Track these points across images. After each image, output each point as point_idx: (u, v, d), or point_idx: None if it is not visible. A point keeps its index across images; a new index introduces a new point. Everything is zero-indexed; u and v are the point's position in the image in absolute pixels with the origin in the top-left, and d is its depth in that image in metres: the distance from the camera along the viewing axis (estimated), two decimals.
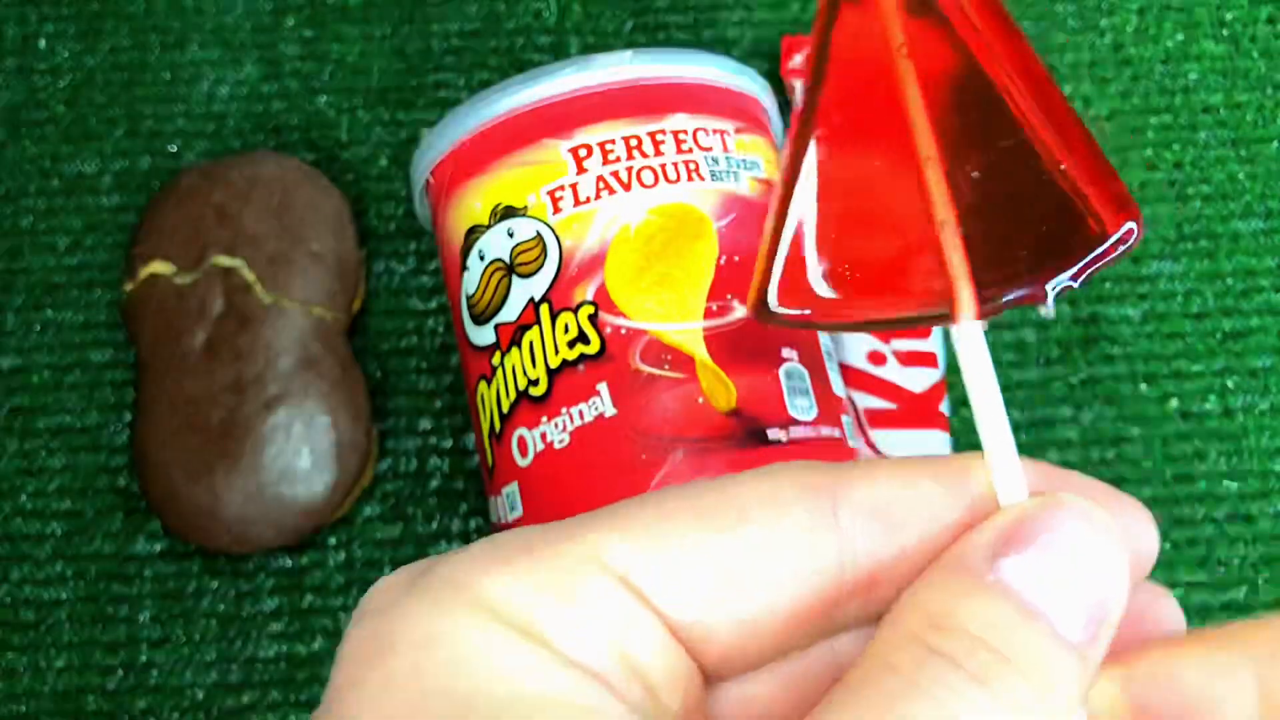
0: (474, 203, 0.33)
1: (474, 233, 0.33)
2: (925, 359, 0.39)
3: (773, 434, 0.30)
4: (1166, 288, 0.42)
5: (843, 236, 0.21)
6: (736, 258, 0.31)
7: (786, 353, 0.31)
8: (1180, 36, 0.45)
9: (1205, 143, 0.44)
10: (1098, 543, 0.18)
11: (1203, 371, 0.41)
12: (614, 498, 0.29)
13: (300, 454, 0.36)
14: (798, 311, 0.21)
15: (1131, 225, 0.20)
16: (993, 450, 0.19)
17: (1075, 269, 0.20)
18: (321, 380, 0.37)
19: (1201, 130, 0.44)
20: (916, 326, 0.22)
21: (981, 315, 0.20)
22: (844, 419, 0.32)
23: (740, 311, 0.31)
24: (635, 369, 0.30)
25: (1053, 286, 0.21)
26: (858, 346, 0.39)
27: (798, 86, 0.43)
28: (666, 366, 0.30)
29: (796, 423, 0.31)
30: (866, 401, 0.38)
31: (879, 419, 0.38)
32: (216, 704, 0.37)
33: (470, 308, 0.33)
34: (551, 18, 0.45)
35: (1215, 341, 0.42)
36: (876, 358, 0.39)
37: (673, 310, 0.30)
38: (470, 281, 0.33)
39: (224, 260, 0.37)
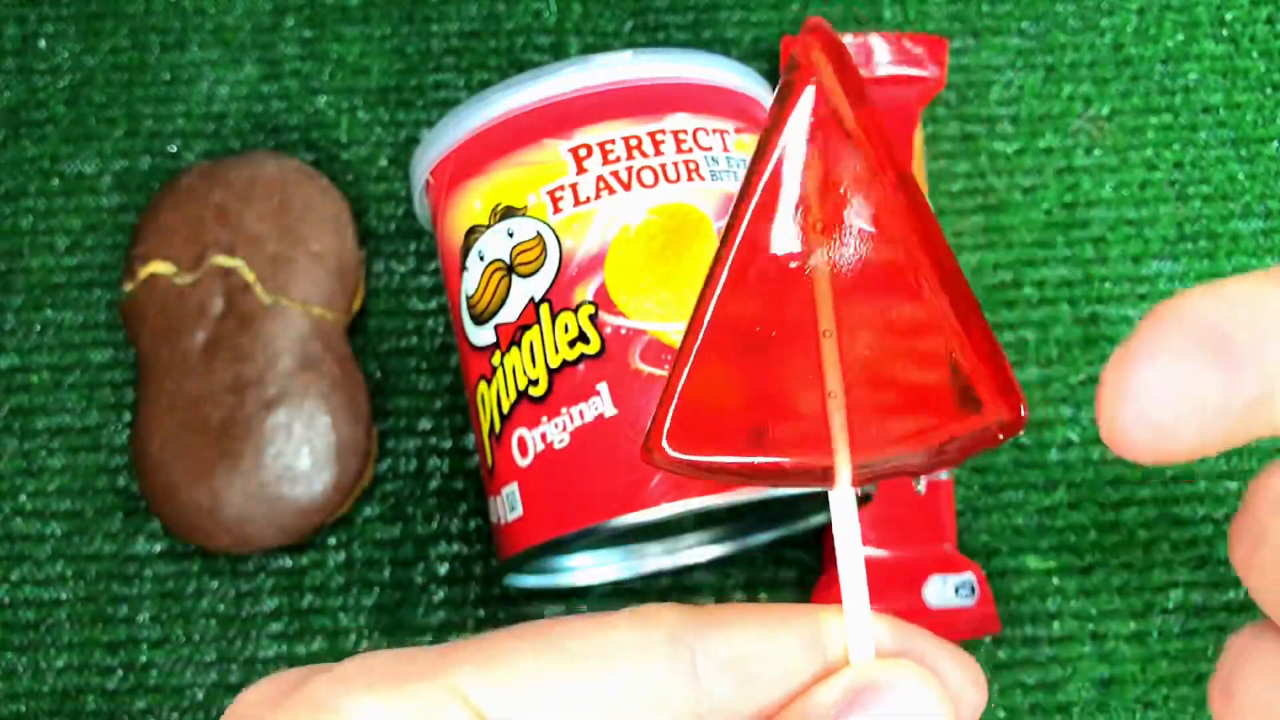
0: (474, 203, 0.33)
1: (474, 233, 0.33)
2: None
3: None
4: (1166, 288, 0.42)
5: (736, 389, 0.22)
6: None
7: None
8: (1180, 36, 0.45)
9: (1205, 143, 0.44)
10: (929, 709, 0.20)
11: None
12: (613, 497, 0.29)
13: (300, 454, 0.36)
14: (685, 458, 0.21)
15: (1019, 414, 0.21)
16: (850, 608, 0.21)
17: (954, 451, 0.21)
18: (321, 380, 0.37)
19: (1201, 130, 0.44)
20: (795, 486, 0.23)
21: (856, 483, 0.21)
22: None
23: None
24: (635, 369, 0.30)
25: (930, 473, 0.21)
26: None
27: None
28: (667, 366, 0.30)
29: None
30: None
31: None
32: (216, 704, 0.37)
33: (470, 308, 0.33)
34: (551, 18, 0.45)
35: None
36: None
37: (673, 310, 0.30)
38: (470, 281, 0.33)
39: (224, 260, 0.37)
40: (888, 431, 0.21)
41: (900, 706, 0.20)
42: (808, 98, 0.21)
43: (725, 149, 0.32)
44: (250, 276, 0.37)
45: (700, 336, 0.21)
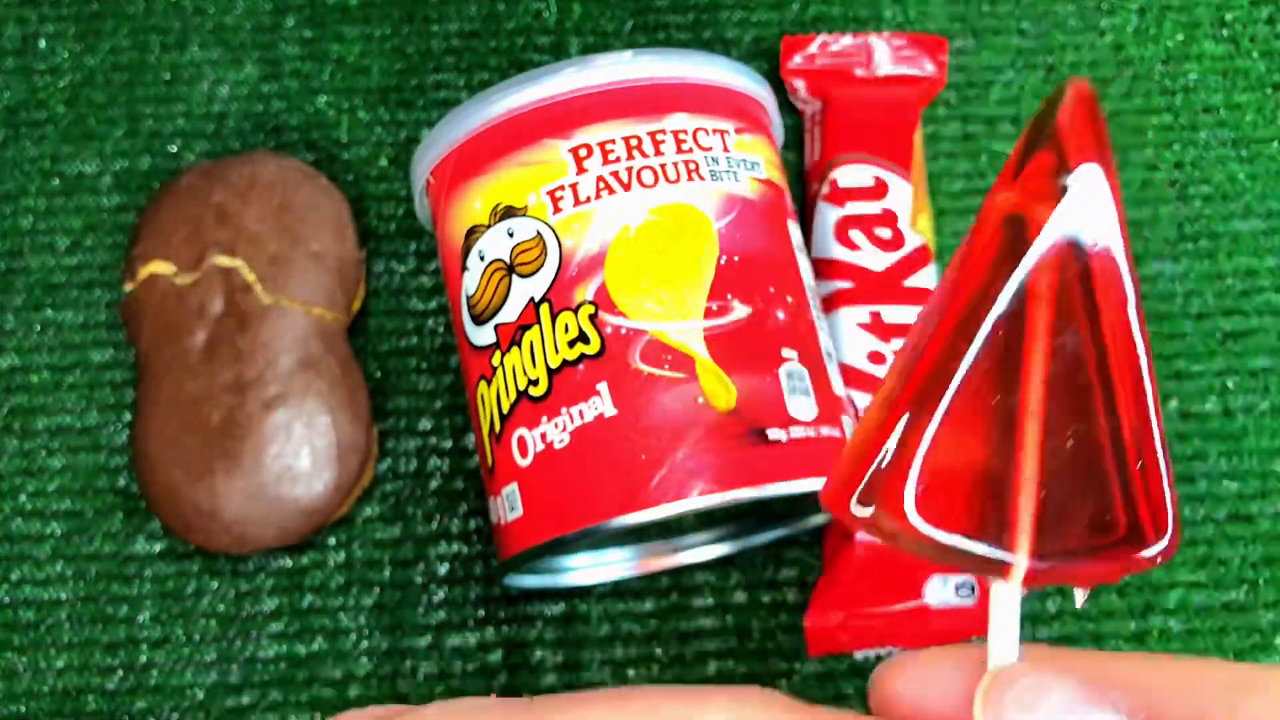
0: (474, 203, 0.33)
1: (474, 233, 0.33)
2: None
3: (773, 434, 0.30)
4: (1166, 288, 0.42)
5: (943, 465, 0.21)
6: (736, 257, 0.31)
7: (787, 353, 0.31)
8: (1180, 36, 0.45)
9: (1205, 143, 0.44)
10: None
11: (1203, 372, 0.41)
12: (613, 497, 0.29)
13: (300, 454, 0.36)
14: (889, 524, 0.21)
15: (1167, 551, 0.21)
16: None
17: (1109, 572, 0.21)
18: (321, 380, 0.37)
19: (1201, 130, 0.44)
20: (970, 571, 0.23)
21: (1029, 583, 0.20)
22: (844, 419, 0.32)
23: (740, 312, 0.31)
24: (635, 369, 0.30)
25: (1089, 589, 0.21)
26: (858, 346, 0.39)
27: (800, 86, 0.43)
28: (667, 366, 0.30)
29: (797, 422, 0.31)
30: (867, 401, 0.38)
31: None
32: (216, 704, 0.37)
33: (470, 308, 0.33)
34: (551, 18, 0.45)
35: (1215, 341, 0.42)
36: (877, 358, 0.39)
37: (673, 310, 0.30)
38: (470, 281, 0.33)
39: (224, 260, 0.37)
40: (1063, 531, 0.21)
41: None
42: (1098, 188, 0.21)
43: (725, 149, 0.32)
44: (250, 276, 0.37)
45: (940, 409, 0.21)
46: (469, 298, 0.33)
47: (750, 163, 0.33)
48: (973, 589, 0.38)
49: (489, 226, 0.32)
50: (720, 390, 0.30)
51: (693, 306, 0.31)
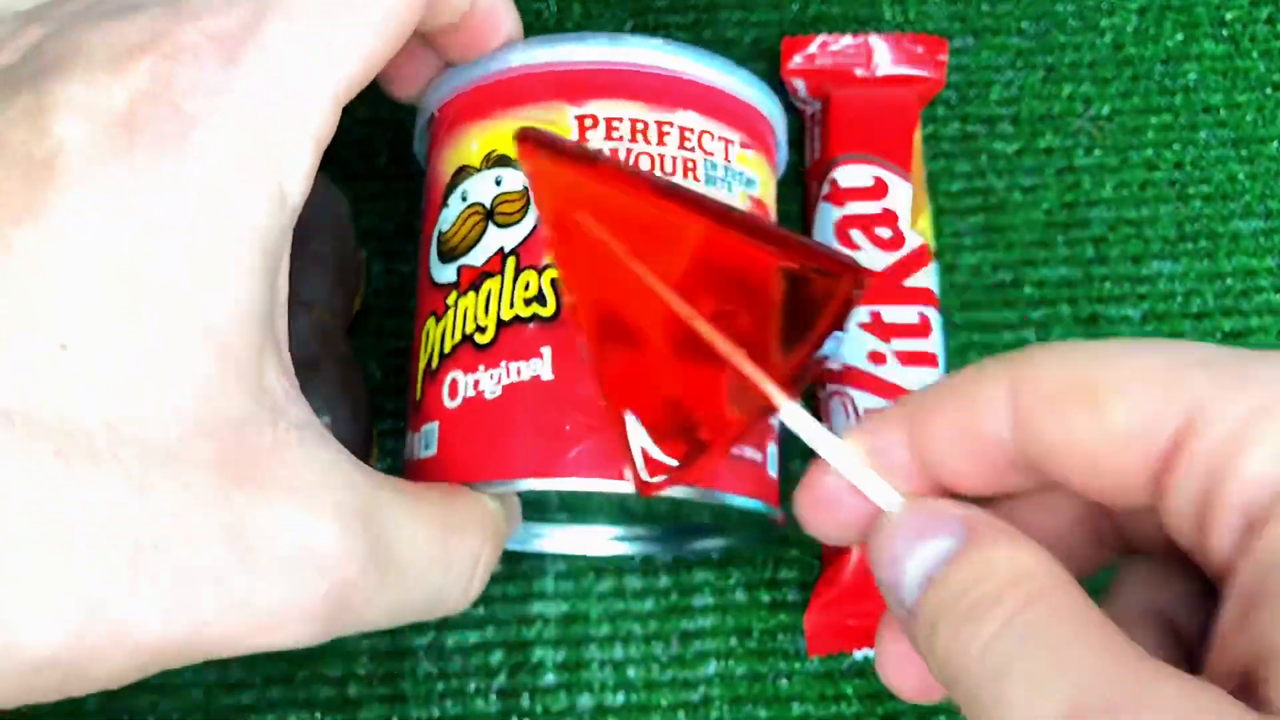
0: (470, 144, 0.33)
1: (462, 172, 0.33)
2: (925, 359, 0.39)
3: (701, 435, 0.30)
4: (1166, 288, 0.42)
5: (660, 412, 0.27)
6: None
7: None
8: (1180, 36, 0.45)
9: (1205, 143, 0.44)
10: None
11: None
12: (527, 460, 0.29)
13: None
14: (661, 479, 0.27)
15: (861, 272, 0.27)
16: (861, 483, 0.24)
17: (833, 321, 0.27)
18: (321, 380, 0.37)
19: (1201, 130, 0.44)
20: (746, 439, 0.31)
21: (791, 395, 0.25)
22: (770, 447, 0.32)
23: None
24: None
25: (823, 352, 0.27)
26: (858, 346, 0.39)
27: (800, 86, 0.43)
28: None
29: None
30: (867, 401, 0.38)
31: None
32: (216, 703, 0.37)
33: (440, 243, 0.33)
34: (551, 17, 0.45)
35: (1215, 341, 0.42)
36: (877, 358, 0.39)
37: None
38: (446, 219, 0.33)
39: None
40: (788, 351, 0.26)
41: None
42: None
43: (726, 159, 0.32)
44: None
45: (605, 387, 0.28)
46: (441, 233, 0.33)
47: (747, 178, 0.33)
48: None
49: (479, 170, 0.32)
50: None
51: None
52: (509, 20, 0.32)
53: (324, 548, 0.24)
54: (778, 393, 0.25)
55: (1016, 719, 0.19)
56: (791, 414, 0.25)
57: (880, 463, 0.23)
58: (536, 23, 0.44)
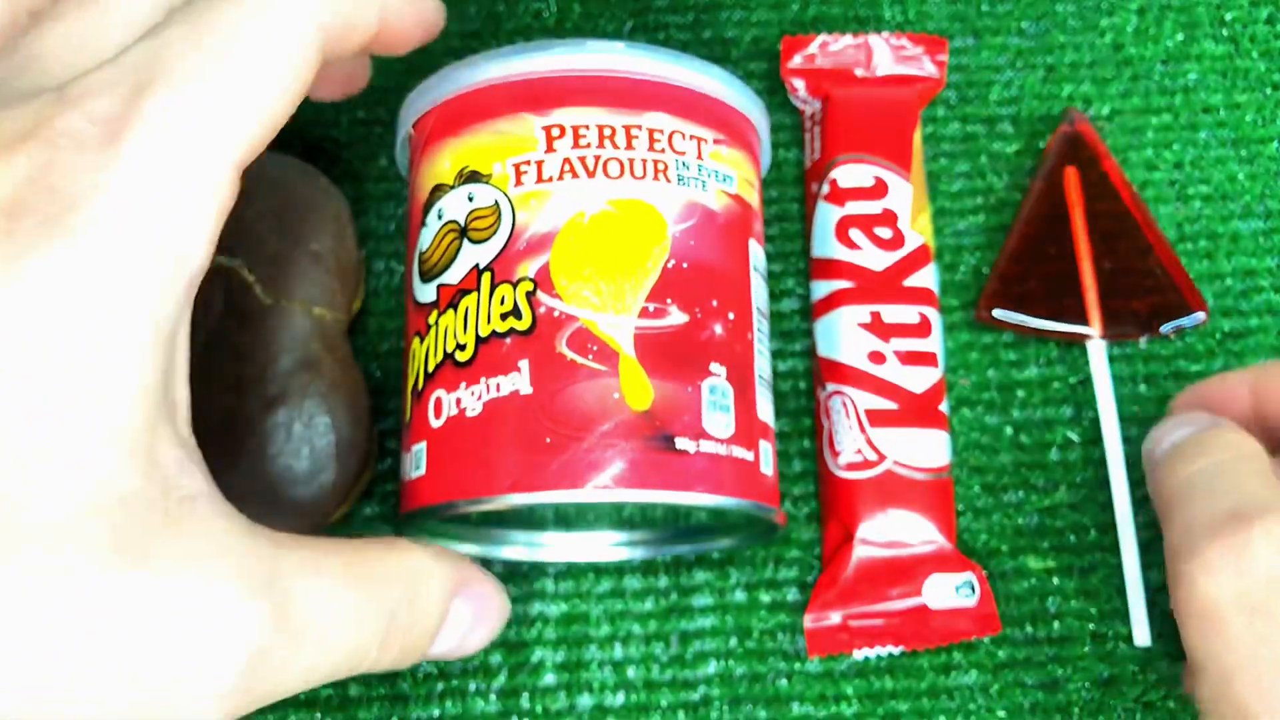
0: (444, 162, 0.33)
1: (438, 191, 0.33)
2: (925, 359, 0.39)
3: (681, 443, 0.30)
4: None
5: (1035, 275, 0.41)
6: (685, 264, 0.31)
7: (715, 367, 0.31)
8: (1180, 36, 0.45)
9: (1205, 143, 0.44)
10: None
11: (1203, 371, 0.41)
12: (511, 475, 0.29)
13: (300, 454, 0.36)
14: (1005, 315, 0.41)
15: (1204, 310, 0.41)
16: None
17: (1168, 328, 0.41)
18: (321, 380, 0.37)
19: (1201, 130, 0.44)
20: (1062, 338, 0.41)
21: (1105, 336, 0.40)
22: (761, 443, 0.32)
23: (676, 318, 0.31)
24: (559, 353, 0.30)
25: (1147, 337, 0.41)
26: (858, 346, 0.39)
27: (800, 86, 0.43)
28: (591, 356, 0.30)
29: (709, 437, 0.31)
30: (867, 401, 0.38)
31: (879, 418, 0.38)
32: None
33: (421, 263, 0.33)
34: (551, 18, 0.45)
35: (1215, 341, 0.42)
36: (877, 357, 0.39)
37: (609, 302, 0.30)
38: (425, 238, 0.33)
39: (224, 260, 0.37)
40: (1123, 313, 0.40)
41: None
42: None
43: (699, 157, 0.32)
44: (250, 276, 0.37)
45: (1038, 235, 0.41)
46: (421, 253, 0.33)
47: (723, 175, 0.33)
48: (973, 589, 0.38)
49: (452, 188, 0.32)
50: (638, 390, 0.30)
51: (629, 303, 0.31)
52: (426, 5, 0.30)
53: (227, 618, 0.23)
54: (1099, 329, 0.41)
55: (1197, 513, 0.31)
56: (1096, 350, 0.41)
57: (1226, 407, 0.35)
58: (536, 24, 0.44)
